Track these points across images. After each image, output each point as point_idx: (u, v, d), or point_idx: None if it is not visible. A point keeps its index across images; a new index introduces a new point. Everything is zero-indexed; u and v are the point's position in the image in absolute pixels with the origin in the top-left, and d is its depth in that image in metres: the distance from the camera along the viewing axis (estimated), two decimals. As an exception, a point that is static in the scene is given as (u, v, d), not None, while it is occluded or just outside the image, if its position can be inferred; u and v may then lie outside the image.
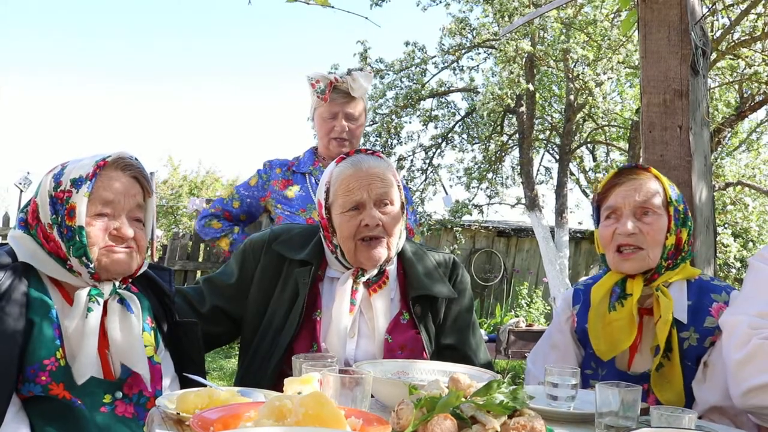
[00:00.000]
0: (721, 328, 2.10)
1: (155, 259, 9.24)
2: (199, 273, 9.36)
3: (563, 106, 11.71)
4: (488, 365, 2.41)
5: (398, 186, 2.34)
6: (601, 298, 2.28)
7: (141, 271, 2.05)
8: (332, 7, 2.78)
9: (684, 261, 2.31)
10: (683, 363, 2.20)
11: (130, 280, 2.04)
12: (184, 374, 2.05)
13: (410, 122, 11.57)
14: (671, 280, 2.27)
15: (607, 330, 2.25)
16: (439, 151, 11.86)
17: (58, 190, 1.92)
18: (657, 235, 2.24)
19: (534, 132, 11.29)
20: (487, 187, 11.90)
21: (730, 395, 1.99)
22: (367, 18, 3.00)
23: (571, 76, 10.25)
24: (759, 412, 1.95)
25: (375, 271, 2.31)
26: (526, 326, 7.60)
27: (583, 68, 10.00)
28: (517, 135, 11.31)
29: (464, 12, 10.78)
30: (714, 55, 7.70)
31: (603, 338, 2.25)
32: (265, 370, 2.26)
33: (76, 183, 1.90)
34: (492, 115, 10.61)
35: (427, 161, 11.83)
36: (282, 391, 1.65)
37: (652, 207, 2.25)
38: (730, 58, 8.75)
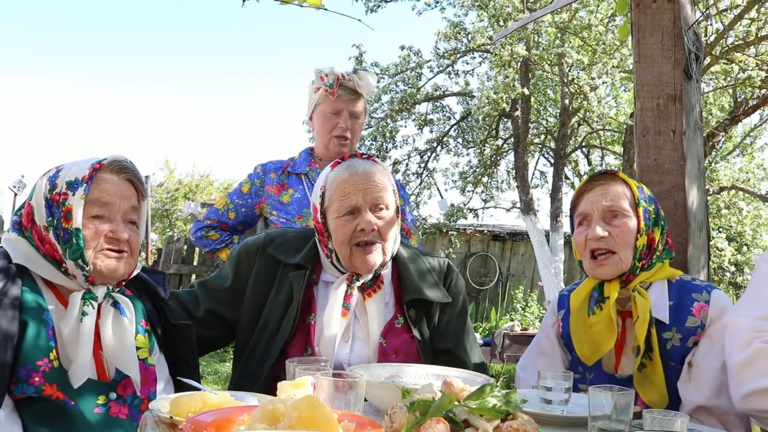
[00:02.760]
0: (724, 328, 2.11)
1: (150, 263, 9.23)
2: (194, 277, 9.35)
3: (558, 110, 11.74)
4: (482, 369, 2.41)
5: (393, 190, 2.35)
6: (579, 303, 2.31)
7: (134, 274, 2.05)
8: (325, 9, 2.78)
9: (660, 261, 2.32)
10: (667, 363, 2.21)
11: (124, 283, 2.04)
12: (179, 377, 2.05)
13: (405, 126, 11.60)
14: (650, 280, 2.29)
15: (588, 334, 2.27)
16: (434, 154, 11.89)
17: (54, 192, 1.92)
18: (627, 237, 2.26)
19: (529, 136, 11.31)
20: (482, 191, 11.93)
21: (731, 397, 2.00)
22: (360, 20, 2.99)
23: (565, 81, 10.29)
24: (759, 415, 1.95)
25: (370, 276, 2.32)
26: (521, 330, 7.62)
27: (578, 72, 10.04)
28: (512, 139, 11.34)
29: (459, 16, 10.81)
30: (708, 60, 7.74)
31: (585, 342, 2.28)
32: (260, 374, 2.26)
33: (72, 186, 1.91)
34: (487, 119, 10.64)
35: (422, 165, 11.85)
36: (276, 394, 1.65)
37: (620, 210, 2.28)
38: (723, 63, 8.78)
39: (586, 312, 2.30)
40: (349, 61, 10.74)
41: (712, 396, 2.12)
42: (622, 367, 2.29)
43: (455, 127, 11.99)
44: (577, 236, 2.34)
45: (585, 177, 2.52)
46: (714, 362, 2.13)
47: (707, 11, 6.00)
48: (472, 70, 11.51)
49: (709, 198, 8.16)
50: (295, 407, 1.28)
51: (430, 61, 11.11)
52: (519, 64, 10.12)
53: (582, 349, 2.28)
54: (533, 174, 12.49)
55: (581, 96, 9.98)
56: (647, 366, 2.20)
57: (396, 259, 2.41)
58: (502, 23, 9.52)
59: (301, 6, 2.74)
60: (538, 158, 12.95)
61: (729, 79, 9.27)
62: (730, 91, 9.47)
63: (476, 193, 11.82)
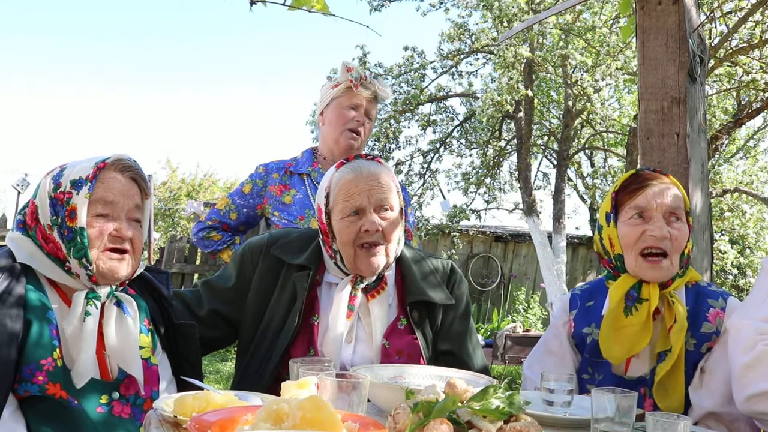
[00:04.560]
0: (728, 330, 2.10)
1: (152, 262, 9.23)
2: (196, 276, 9.35)
3: (561, 112, 11.74)
4: (485, 371, 2.41)
5: (398, 191, 2.35)
6: (617, 300, 2.25)
7: (137, 273, 2.06)
8: (333, 15, 2.77)
9: (687, 267, 2.32)
10: None
11: (128, 282, 2.05)
12: (182, 377, 2.05)
13: (409, 127, 11.58)
14: (679, 286, 2.28)
15: (620, 334, 2.22)
16: (437, 155, 11.88)
17: (58, 191, 1.93)
18: (682, 243, 2.24)
19: (532, 137, 11.31)
20: (485, 192, 11.91)
21: (734, 399, 2.00)
22: (368, 26, 2.99)
23: (569, 82, 10.28)
24: (762, 418, 1.95)
25: (373, 278, 2.32)
26: (523, 331, 7.62)
27: (582, 74, 10.02)
28: (515, 140, 11.33)
29: (463, 17, 10.80)
30: (712, 63, 7.73)
31: (616, 342, 2.22)
32: (263, 374, 2.26)
33: (76, 184, 1.92)
34: (490, 120, 10.63)
35: (425, 166, 11.85)
36: (279, 395, 1.65)
37: (679, 214, 2.25)
38: (727, 66, 8.78)
39: (622, 310, 2.25)
40: (353, 62, 10.72)
41: (723, 402, 2.11)
42: (632, 368, 2.28)
43: (458, 128, 11.99)
44: (629, 228, 2.25)
45: (630, 171, 2.46)
46: (727, 369, 2.11)
47: (711, 14, 5.99)
48: (476, 71, 11.50)
49: (712, 201, 8.17)
50: (300, 407, 1.28)
51: (433, 61, 11.10)
52: (523, 65, 10.11)
53: (610, 348, 2.22)
54: (536, 175, 12.50)
55: (584, 98, 9.97)
56: (665, 372, 2.20)
57: (399, 260, 2.41)
58: (506, 24, 9.52)
59: (309, 11, 2.74)
60: (541, 160, 12.95)
61: (733, 81, 9.27)
62: (734, 93, 9.47)
63: (479, 194, 11.81)
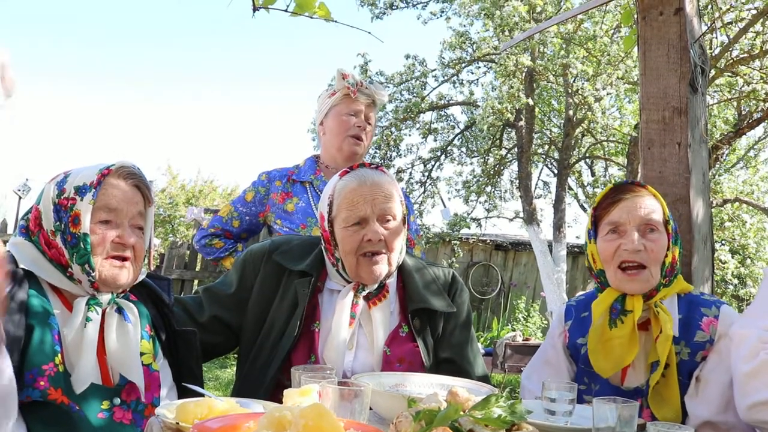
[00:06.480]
0: (730, 338, 2.11)
1: (152, 268, 9.22)
2: (196, 282, 9.34)
3: (562, 121, 11.74)
4: (485, 379, 2.41)
5: (401, 200, 2.36)
6: (601, 314, 2.27)
7: (138, 280, 2.06)
8: (335, 21, 2.78)
9: (676, 277, 2.32)
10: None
11: (129, 289, 2.05)
12: (183, 384, 2.06)
13: (410, 135, 11.60)
14: (667, 296, 2.28)
15: (607, 347, 2.24)
16: (438, 164, 11.88)
17: (62, 197, 1.94)
18: (659, 253, 2.24)
19: (533, 146, 11.32)
20: (486, 201, 11.92)
21: (736, 407, 2.00)
22: (369, 33, 2.99)
23: (570, 91, 10.29)
24: (764, 426, 1.96)
25: (375, 285, 2.32)
26: (523, 340, 7.62)
27: (583, 83, 10.04)
28: (515, 149, 11.34)
29: (464, 26, 10.82)
30: (712, 73, 7.74)
31: (603, 355, 2.25)
32: (263, 380, 2.26)
33: (80, 191, 1.93)
34: (491, 128, 10.64)
35: (426, 174, 11.85)
36: (280, 401, 1.66)
37: (655, 224, 2.26)
38: (728, 76, 8.80)
39: (607, 324, 2.26)
40: (354, 70, 10.76)
41: (719, 411, 2.12)
42: (629, 379, 2.29)
43: (459, 136, 12.00)
44: (606, 244, 2.28)
45: (608, 185, 2.49)
46: (722, 377, 2.13)
47: (712, 24, 6.01)
48: (477, 79, 11.52)
49: (712, 210, 8.16)
50: (303, 415, 1.28)
51: (434, 70, 11.11)
52: (524, 74, 10.13)
53: (598, 361, 2.24)
54: (536, 184, 12.49)
55: (585, 107, 9.98)
56: (660, 382, 2.20)
57: (401, 268, 2.42)
58: (507, 33, 9.54)
59: (311, 18, 2.74)
60: (542, 168, 12.95)
61: (733, 91, 9.28)
62: (735, 103, 9.48)
63: (479, 202, 11.81)
